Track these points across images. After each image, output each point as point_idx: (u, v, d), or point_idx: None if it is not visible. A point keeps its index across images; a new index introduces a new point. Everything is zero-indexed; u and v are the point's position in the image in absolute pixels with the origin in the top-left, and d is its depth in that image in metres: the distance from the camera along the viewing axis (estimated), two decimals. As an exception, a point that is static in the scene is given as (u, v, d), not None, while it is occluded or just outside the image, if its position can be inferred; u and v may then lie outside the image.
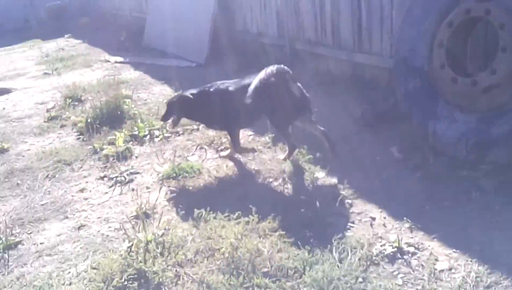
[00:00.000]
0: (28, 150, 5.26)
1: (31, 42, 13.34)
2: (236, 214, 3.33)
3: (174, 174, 4.16)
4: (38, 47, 12.38)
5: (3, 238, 3.51)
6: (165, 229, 3.34)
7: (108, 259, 3.07)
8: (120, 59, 9.14)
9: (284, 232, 3.10)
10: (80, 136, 5.44)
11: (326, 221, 3.22)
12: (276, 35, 7.10)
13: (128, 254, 3.10)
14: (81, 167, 4.67)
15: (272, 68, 3.73)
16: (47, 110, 6.49)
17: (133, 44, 10.06)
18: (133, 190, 4.10)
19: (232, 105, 4.01)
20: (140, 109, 6.01)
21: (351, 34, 5.64)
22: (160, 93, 6.74)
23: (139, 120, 5.52)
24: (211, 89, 4.17)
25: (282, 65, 3.78)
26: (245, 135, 4.76)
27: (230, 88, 4.06)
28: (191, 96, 4.19)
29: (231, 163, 4.28)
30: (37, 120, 6.22)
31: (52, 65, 9.34)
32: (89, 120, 5.60)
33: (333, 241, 2.95)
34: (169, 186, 4.05)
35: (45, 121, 6.11)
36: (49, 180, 4.50)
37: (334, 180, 3.78)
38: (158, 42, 9.48)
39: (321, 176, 3.84)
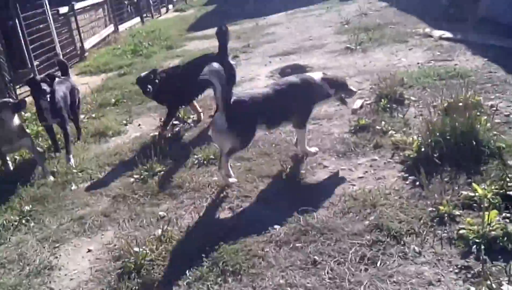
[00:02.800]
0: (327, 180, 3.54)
1: (329, 3, 11.96)
2: None
3: None
4: (337, 9, 10.90)
5: None
6: None
7: None
8: (447, 34, 6.62)
9: None
10: (405, 175, 3.43)
11: None
12: None
13: None
14: (420, 254, 2.66)
15: None
16: (353, 111, 4.68)
17: (463, 11, 7.34)
18: None
19: None
20: (504, 135, 3.62)
21: None
22: (531, 104, 4.16)
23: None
24: None
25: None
26: None
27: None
28: None
29: None
30: (339, 126, 4.47)
31: (355, 37, 7.51)
32: (422, 148, 3.54)
33: None
34: None
35: (351, 131, 4.31)
36: (363, 269, 2.63)
37: None
38: (505, 12, 6.56)
39: None
